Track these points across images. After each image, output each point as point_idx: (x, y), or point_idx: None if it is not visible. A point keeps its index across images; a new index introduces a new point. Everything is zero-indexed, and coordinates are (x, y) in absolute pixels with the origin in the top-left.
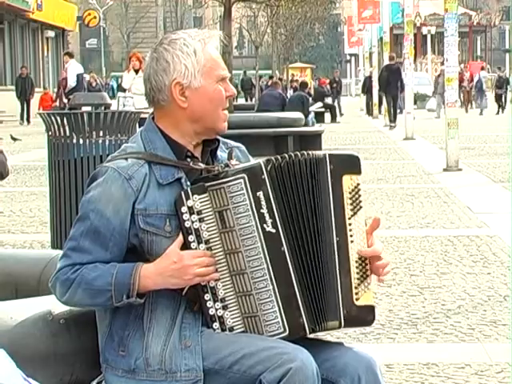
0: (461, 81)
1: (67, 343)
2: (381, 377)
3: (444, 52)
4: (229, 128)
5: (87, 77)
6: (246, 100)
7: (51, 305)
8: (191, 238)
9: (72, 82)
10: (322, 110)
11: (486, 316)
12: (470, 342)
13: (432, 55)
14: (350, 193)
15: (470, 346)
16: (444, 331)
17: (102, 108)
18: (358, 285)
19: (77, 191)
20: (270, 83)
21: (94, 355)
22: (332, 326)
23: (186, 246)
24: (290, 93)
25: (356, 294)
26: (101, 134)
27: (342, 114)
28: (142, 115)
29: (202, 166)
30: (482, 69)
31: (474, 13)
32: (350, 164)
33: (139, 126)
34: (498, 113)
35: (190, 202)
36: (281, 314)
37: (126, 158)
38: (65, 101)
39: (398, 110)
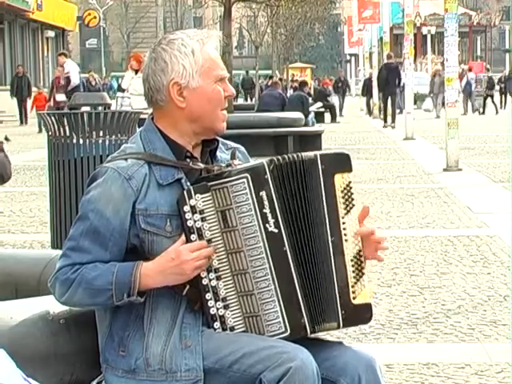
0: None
1: (67, 343)
2: (381, 376)
3: (444, 52)
4: (228, 128)
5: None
6: (246, 100)
7: (51, 305)
8: (193, 237)
9: (76, 80)
10: (322, 109)
11: (485, 316)
12: (469, 342)
13: (432, 55)
14: (342, 191)
15: (469, 346)
16: (444, 331)
17: (102, 108)
18: (355, 283)
19: (77, 191)
20: (269, 83)
21: (94, 355)
22: (330, 327)
23: None
24: (290, 93)
25: (353, 292)
26: (101, 134)
27: (341, 115)
28: (142, 116)
29: (202, 165)
30: (470, 70)
31: (474, 13)
32: (341, 162)
33: (139, 127)
34: (483, 113)
35: (192, 201)
36: (282, 314)
37: (126, 159)
38: (60, 99)
39: (398, 110)
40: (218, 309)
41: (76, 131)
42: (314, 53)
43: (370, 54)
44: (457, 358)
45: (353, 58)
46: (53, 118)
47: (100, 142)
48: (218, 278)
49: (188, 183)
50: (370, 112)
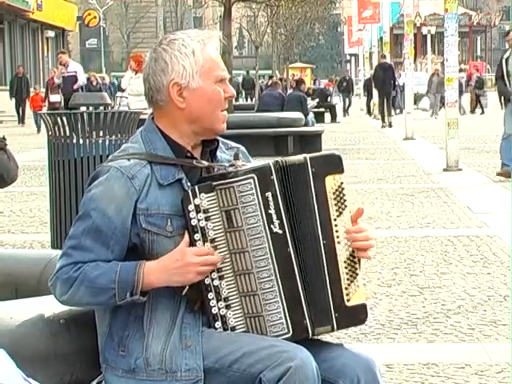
0: (469, 80)
1: (67, 343)
2: (380, 377)
3: (444, 52)
4: (228, 128)
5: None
6: (247, 99)
7: (51, 305)
8: (197, 236)
9: (83, 80)
10: (322, 110)
11: (485, 316)
12: (469, 342)
13: (432, 55)
14: (333, 193)
15: (469, 346)
16: (444, 331)
17: (102, 108)
18: (349, 285)
19: (77, 191)
20: (269, 83)
21: (94, 355)
22: (325, 331)
23: (191, 244)
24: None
25: (347, 294)
26: (101, 134)
27: (347, 115)
28: (142, 116)
29: (206, 163)
30: (477, 71)
31: (474, 13)
32: (332, 164)
33: (138, 128)
34: (473, 111)
35: (197, 200)
36: (285, 314)
37: (129, 159)
38: (54, 100)
39: (398, 110)
40: (219, 308)
41: (76, 131)
42: (314, 53)
43: (370, 54)
44: (457, 358)
45: (353, 58)
46: (53, 118)
47: (100, 141)
48: (221, 278)
49: (189, 183)
50: (369, 112)
